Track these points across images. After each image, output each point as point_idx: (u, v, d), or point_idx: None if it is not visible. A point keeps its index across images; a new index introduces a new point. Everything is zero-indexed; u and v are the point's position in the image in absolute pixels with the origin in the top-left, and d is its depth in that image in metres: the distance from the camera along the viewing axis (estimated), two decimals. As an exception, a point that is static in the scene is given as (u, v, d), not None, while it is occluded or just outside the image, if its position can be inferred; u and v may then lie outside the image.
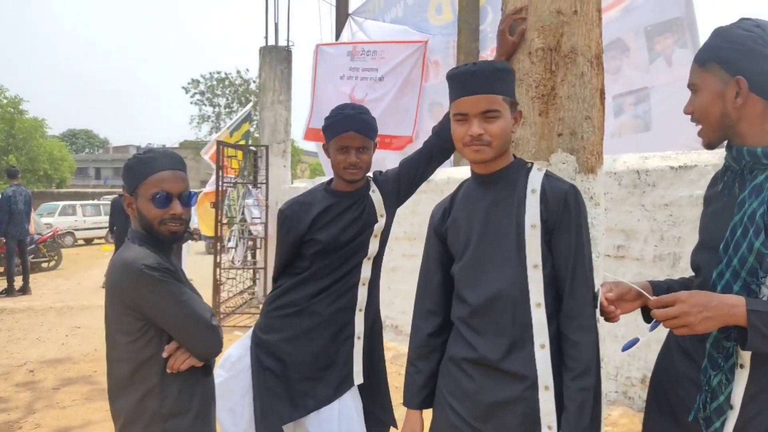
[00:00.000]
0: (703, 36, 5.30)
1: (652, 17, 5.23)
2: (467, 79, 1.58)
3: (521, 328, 1.57)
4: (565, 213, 1.56)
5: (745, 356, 1.36)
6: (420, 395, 1.79)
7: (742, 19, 1.47)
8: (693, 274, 1.58)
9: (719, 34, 1.48)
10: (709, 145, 1.54)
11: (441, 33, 7.45)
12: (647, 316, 1.63)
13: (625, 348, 1.53)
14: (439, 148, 2.25)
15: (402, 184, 2.27)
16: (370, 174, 2.30)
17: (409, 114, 7.26)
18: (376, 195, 2.21)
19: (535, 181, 1.60)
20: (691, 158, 3.80)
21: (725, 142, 1.53)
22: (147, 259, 1.75)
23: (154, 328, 1.77)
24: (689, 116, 1.55)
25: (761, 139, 1.42)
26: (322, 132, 2.22)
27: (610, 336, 3.73)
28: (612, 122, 5.59)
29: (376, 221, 2.19)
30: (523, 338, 1.56)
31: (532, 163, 1.67)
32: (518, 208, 1.59)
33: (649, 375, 1.70)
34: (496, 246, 1.61)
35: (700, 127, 1.53)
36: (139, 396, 1.76)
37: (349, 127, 2.09)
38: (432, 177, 5.59)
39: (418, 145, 7.83)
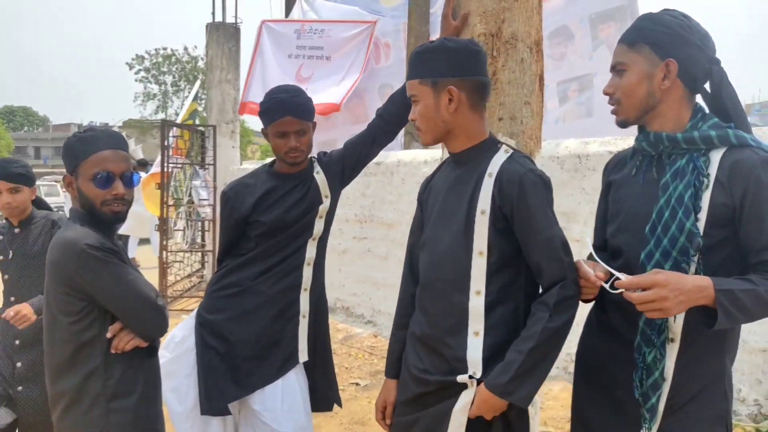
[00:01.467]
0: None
1: (597, 5, 5.37)
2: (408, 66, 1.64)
3: (458, 313, 1.59)
4: (521, 199, 1.52)
5: (676, 330, 1.43)
6: (396, 365, 1.79)
7: (667, 9, 1.52)
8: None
9: (648, 17, 1.53)
10: (624, 124, 1.58)
11: (392, 15, 7.44)
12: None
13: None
14: (382, 130, 2.28)
15: (346, 166, 2.29)
16: (314, 155, 2.31)
17: (344, 86, 7.24)
18: (320, 176, 2.23)
19: (495, 164, 1.59)
20: (630, 143, 3.93)
21: (636, 127, 1.59)
22: (89, 238, 1.72)
23: (97, 309, 1.75)
24: (605, 94, 1.58)
25: (677, 124, 1.49)
26: (258, 114, 2.22)
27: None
28: (557, 108, 5.73)
29: (321, 202, 2.21)
30: (459, 324, 1.58)
31: (502, 144, 1.65)
32: (473, 191, 1.59)
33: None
34: (446, 227, 1.63)
35: (616, 106, 1.56)
36: (81, 377, 1.74)
37: (284, 112, 2.10)
38: (382, 160, 5.66)
39: (348, 116, 7.78)
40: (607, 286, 1.44)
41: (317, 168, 2.25)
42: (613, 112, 1.58)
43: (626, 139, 4.01)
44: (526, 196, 1.53)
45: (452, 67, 1.58)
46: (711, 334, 1.41)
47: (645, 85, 1.50)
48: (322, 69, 7.46)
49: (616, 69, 1.55)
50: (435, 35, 6.83)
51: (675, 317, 1.41)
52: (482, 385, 1.53)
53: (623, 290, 1.37)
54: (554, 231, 1.55)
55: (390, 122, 2.25)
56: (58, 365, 1.79)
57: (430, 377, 1.63)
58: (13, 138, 43.99)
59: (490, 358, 1.55)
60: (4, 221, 2.75)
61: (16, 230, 2.67)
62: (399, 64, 7.20)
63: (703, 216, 1.40)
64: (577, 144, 4.31)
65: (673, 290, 1.30)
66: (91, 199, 1.79)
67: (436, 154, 5.24)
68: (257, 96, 7.25)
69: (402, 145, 7.01)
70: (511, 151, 1.63)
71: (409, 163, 5.65)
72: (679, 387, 1.43)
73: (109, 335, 1.75)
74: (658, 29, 1.48)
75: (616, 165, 1.68)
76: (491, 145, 1.65)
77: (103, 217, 1.80)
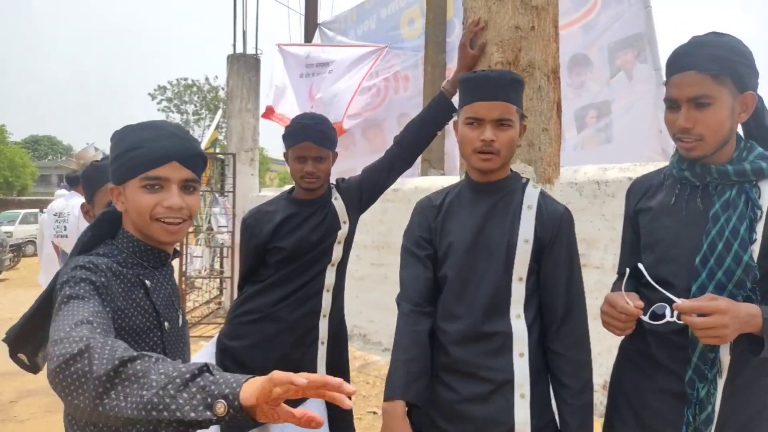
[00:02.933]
0: (663, 51, 5.49)
1: (615, 33, 5.40)
2: (485, 84, 1.57)
3: (502, 337, 1.59)
4: (559, 234, 1.61)
5: (725, 364, 1.40)
6: (412, 386, 1.61)
7: (722, 33, 1.44)
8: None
9: (722, 45, 1.40)
10: (698, 160, 1.46)
11: (412, 49, 7.54)
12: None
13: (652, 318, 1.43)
14: (400, 158, 2.29)
15: (364, 192, 2.31)
16: (332, 182, 2.33)
17: (343, 103, 7.25)
18: (338, 202, 2.25)
19: (531, 197, 1.64)
20: (648, 169, 3.92)
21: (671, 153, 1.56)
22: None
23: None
24: (682, 130, 1.44)
25: (723, 156, 1.45)
26: (282, 137, 2.25)
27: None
28: (575, 136, 5.73)
29: (339, 228, 2.23)
30: (504, 347, 1.59)
31: (528, 180, 1.71)
32: (512, 221, 1.62)
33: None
34: (486, 257, 1.62)
35: (694, 142, 1.43)
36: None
37: (305, 137, 2.14)
38: (400, 186, 5.67)
39: (367, 146, 7.73)
40: (646, 318, 1.41)
41: (335, 194, 2.27)
42: (687, 148, 1.45)
43: (645, 166, 3.98)
44: (563, 231, 1.62)
45: (520, 99, 1.65)
46: (756, 366, 1.40)
47: (730, 121, 1.41)
48: (326, 84, 7.51)
49: (698, 102, 1.41)
50: (451, 63, 6.92)
51: (730, 350, 1.39)
52: None
53: (672, 318, 1.35)
54: (579, 266, 1.65)
55: (407, 150, 2.27)
56: None
57: (473, 409, 1.58)
58: (38, 166, 44.93)
59: (535, 378, 1.59)
60: None
61: None
62: (417, 95, 7.28)
63: (756, 248, 1.38)
64: (595, 170, 4.29)
65: (733, 317, 1.28)
66: None
67: (454, 180, 5.25)
68: (278, 105, 7.37)
69: (419, 172, 7.04)
70: (539, 186, 1.71)
71: (427, 189, 5.66)
72: (725, 420, 1.41)
73: None
74: (740, 60, 1.39)
75: (646, 191, 1.63)
76: (516, 180, 1.70)
77: None
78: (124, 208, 1.33)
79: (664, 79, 1.51)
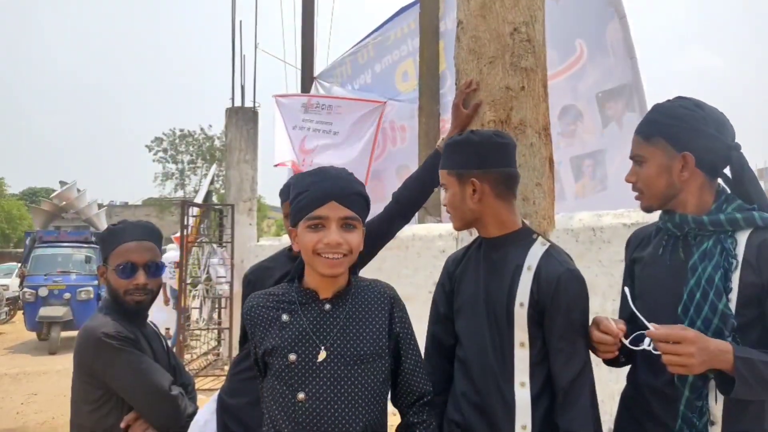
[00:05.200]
0: (650, 99, 5.63)
1: (602, 84, 5.56)
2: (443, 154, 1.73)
3: (504, 406, 1.56)
4: (555, 298, 1.53)
5: (717, 413, 1.42)
6: None
7: (680, 98, 1.57)
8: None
9: (662, 110, 1.56)
10: (648, 209, 1.63)
11: (408, 99, 7.69)
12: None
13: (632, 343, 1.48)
14: (398, 214, 2.34)
15: (363, 248, 2.34)
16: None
17: (362, 170, 7.32)
18: None
19: (533, 257, 1.59)
20: (642, 216, 3.98)
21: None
22: (107, 327, 1.78)
23: (115, 398, 1.78)
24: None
25: (700, 208, 1.52)
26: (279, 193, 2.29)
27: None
28: (572, 185, 5.82)
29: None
30: (506, 417, 1.55)
31: (538, 236, 1.66)
32: (511, 282, 1.58)
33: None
34: (488, 317, 1.61)
35: (639, 194, 1.61)
36: None
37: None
38: (397, 234, 5.70)
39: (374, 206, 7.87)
40: (627, 342, 1.45)
41: None
42: (637, 198, 1.62)
43: (639, 212, 4.04)
44: (560, 295, 1.54)
45: (476, 160, 1.64)
46: (752, 415, 1.42)
47: (664, 177, 1.54)
48: (328, 142, 7.54)
49: (635, 160, 1.60)
50: (446, 114, 7.07)
51: (716, 399, 1.41)
52: None
53: (648, 347, 1.39)
54: (585, 331, 1.56)
55: (406, 207, 2.32)
56: None
57: None
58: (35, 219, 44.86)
59: None
60: None
61: None
62: (414, 146, 7.39)
63: (734, 296, 1.42)
64: (590, 216, 4.35)
65: (699, 348, 1.33)
66: (116, 289, 1.86)
67: (451, 227, 5.30)
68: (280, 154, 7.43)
69: (417, 219, 7.10)
70: (548, 244, 1.64)
71: (424, 236, 5.70)
72: None
73: (122, 425, 1.76)
74: (672, 122, 1.52)
75: (641, 242, 1.69)
76: (526, 235, 1.66)
77: (126, 307, 1.86)
78: (298, 249, 1.46)
79: None
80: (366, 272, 2.33)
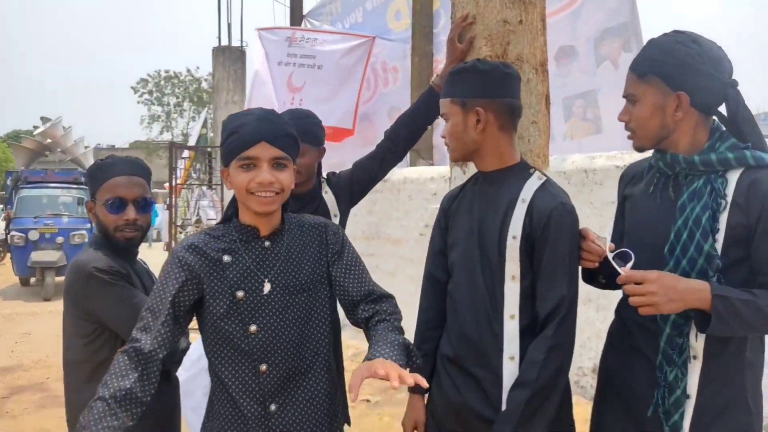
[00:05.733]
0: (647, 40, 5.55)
1: (600, 24, 5.44)
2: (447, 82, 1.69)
3: (492, 338, 1.58)
4: (546, 229, 1.54)
5: (698, 348, 1.44)
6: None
7: (678, 32, 1.51)
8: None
9: (657, 46, 1.50)
10: (640, 149, 1.60)
11: (400, 39, 7.50)
12: (588, 274, 1.68)
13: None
14: (390, 152, 2.31)
15: (354, 186, 2.33)
16: (324, 175, 2.35)
17: (350, 107, 7.21)
18: (329, 196, 2.27)
19: (528, 190, 1.60)
20: (635, 158, 3.98)
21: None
22: (98, 261, 1.76)
23: (107, 332, 1.78)
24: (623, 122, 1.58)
25: (693, 147, 1.49)
26: None
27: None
28: (562, 125, 5.77)
29: (330, 220, 2.25)
30: (494, 348, 1.58)
31: (535, 170, 1.66)
32: (505, 215, 1.59)
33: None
34: (480, 250, 1.62)
35: (632, 134, 1.57)
36: None
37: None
38: (389, 177, 5.69)
39: (358, 140, 7.73)
40: (611, 255, 1.46)
41: (326, 188, 2.29)
42: (629, 138, 1.59)
43: (632, 154, 4.03)
44: (549, 230, 1.55)
45: (482, 89, 1.61)
46: (733, 352, 1.44)
47: (658, 117, 1.50)
48: (314, 78, 7.32)
49: (628, 99, 1.56)
50: (439, 55, 6.93)
51: (696, 336, 1.43)
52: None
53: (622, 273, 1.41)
54: (572, 264, 1.57)
55: (398, 144, 2.29)
56: (74, 388, 1.82)
57: (466, 413, 1.62)
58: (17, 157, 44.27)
59: None
60: None
61: None
62: (406, 87, 7.25)
63: (720, 237, 1.42)
64: (583, 159, 4.34)
65: (662, 287, 1.34)
66: (105, 225, 1.83)
67: (443, 170, 5.29)
68: (256, 94, 7.22)
69: (408, 162, 7.07)
70: (544, 178, 1.64)
71: (416, 179, 5.69)
72: (704, 404, 1.44)
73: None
74: (668, 61, 1.46)
75: (632, 178, 1.68)
76: (523, 170, 1.66)
77: (116, 243, 1.84)
78: (231, 187, 1.50)
79: None
80: (357, 214, 2.33)
